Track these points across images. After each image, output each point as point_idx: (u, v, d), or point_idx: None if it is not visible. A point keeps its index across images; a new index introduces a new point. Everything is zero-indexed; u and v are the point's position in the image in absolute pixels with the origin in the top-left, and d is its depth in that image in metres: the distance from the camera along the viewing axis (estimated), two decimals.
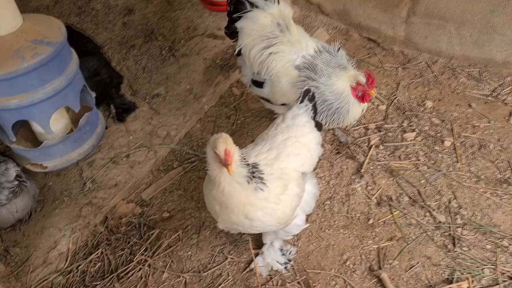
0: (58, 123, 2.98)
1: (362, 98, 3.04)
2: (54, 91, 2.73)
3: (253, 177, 2.35)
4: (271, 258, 2.86)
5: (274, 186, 2.45)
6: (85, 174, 3.65)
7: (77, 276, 3.11)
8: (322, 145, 2.79)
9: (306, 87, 2.77)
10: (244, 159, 2.36)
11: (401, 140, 3.56)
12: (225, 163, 2.22)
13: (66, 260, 3.20)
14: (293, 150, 2.59)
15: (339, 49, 3.17)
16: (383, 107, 3.84)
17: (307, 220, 2.90)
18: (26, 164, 3.02)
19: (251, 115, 3.97)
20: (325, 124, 3.12)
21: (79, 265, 3.15)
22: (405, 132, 3.61)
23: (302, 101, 2.71)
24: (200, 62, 4.40)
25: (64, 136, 2.94)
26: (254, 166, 2.43)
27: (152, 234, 3.23)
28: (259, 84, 3.29)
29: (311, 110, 2.72)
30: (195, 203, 3.39)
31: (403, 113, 3.77)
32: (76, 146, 3.08)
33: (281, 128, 2.66)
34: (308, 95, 2.72)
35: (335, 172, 3.41)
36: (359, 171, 3.39)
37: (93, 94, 3.17)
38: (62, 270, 3.16)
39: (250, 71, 3.32)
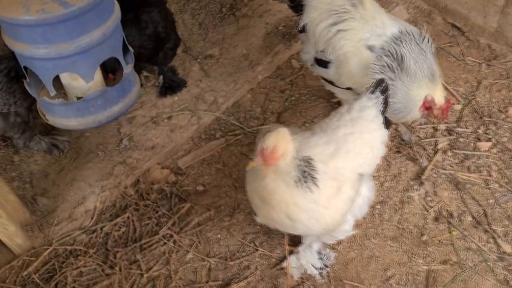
0: (71, 84, 2.78)
1: (427, 115, 2.70)
2: (57, 54, 2.49)
3: (304, 176, 2.06)
4: (307, 260, 2.58)
5: (327, 187, 2.14)
6: (123, 130, 3.46)
7: (100, 237, 2.96)
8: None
9: (381, 76, 2.39)
10: (297, 158, 2.08)
11: (473, 149, 3.13)
12: (265, 161, 2.00)
13: (92, 218, 3.05)
14: (354, 147, 2.26)
15: (425, 37, 2.71)
16: (458, 107, 3.38)
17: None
18: (38, 107, 2.88)
19: (307, 93, 3.61)
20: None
21: (104, 226, 3.00)
22: (479, 140, 3.16)
23: (373, 92, 2.34)
24: (261, 26, 4.03)
25: (64, 101, 2.76)
26: (307, 161, 2.12)
27: (183, 207, 3.01)
28: (323, 63, 2.92)
29: (382, 103, 2.35)
30: (232, 181, 3.13)
31: (480, 117, 3.30)
32: (78, 115, 2.77)
33: (345, 120, 2.32)
34: (381, 86, 2.35)
35: (391, 173, 3.04)
36: (420, 176, 3.00)
37: (129, 69, 2.87)
38: (86, 228, 3.01)
39: (313, 48, 2.94)
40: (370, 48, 2.70)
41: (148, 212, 3.03)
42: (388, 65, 2.61)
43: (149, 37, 3.18)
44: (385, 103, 2.37)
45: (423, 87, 2.61)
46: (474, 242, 2.69)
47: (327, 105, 3.49)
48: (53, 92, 2.71)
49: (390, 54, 2.63)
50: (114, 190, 3.15)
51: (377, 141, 2.34)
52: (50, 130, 3.37)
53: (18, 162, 3.36)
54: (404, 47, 2.62)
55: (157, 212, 3.01)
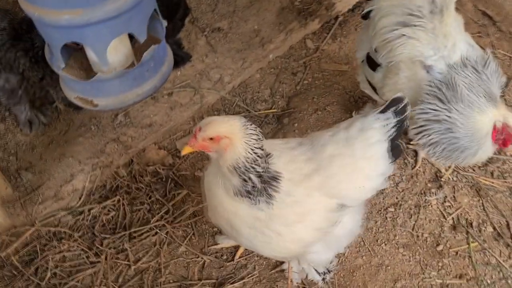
0: (117, 52, 2.36)
1: (503, 142, 2.31)
2: (116, 11, 2.11)
3: (254, 191, 1.79)
4: (308, 264, 2.35)
5: (285, 211, 1.85)
6: None
7: (87, 220, 2.73)
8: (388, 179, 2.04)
9: (401, 95, 1.94)
10: (242, 165, 1.75)
11: (498, 152, 2.86)
12: (193, 141, 1.78)
13: (80, 199, 2.82)
14: (339, 173, 1.89)
15: (489, 62, 2.34)
16: None
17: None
18: (75, 97, 2.50)
19: (321, 77, 3.32)
20: (435, 157, 2.40)
21: (92, 208, 2.76)
22: None
23: (384, 111, 1.92)
24: (276, 0, 3.70)
25: (122, 70, 2.34)
26: (271, 178, 1.82)
27: (179, 194, 2.76)
28: (372, 64, 2.54)
29: (393, 128, 1.90)
30: None
31: None
32: (134, 85, 2.47)
33: (339, 137, 1.93)
34: (397, 106, 1.91)
35: (408, 173, 2.78)
36: (439, 179, 2.75)
37: (165, 23, 2.54)
38: (73, 209, 2.78)
39: (368, 43, 2.54)
40: (427, 68, 2.32)
41: (140, 196, 2.79)
42: (437, 97, 2.28)
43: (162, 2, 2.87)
44: (399, 129, 1.92)
45: (483, 109, 2.24)
46: (494, 257, 2.46)
47: (343, 92, 3.20)
48: (107, 66, 2.32)
49: (441, 84, 2.28)
50: (106, 170, 2.91)
51: (374, 171, 1.93)
52: (39, 106, 3.09)
53: (3, 131, 3.10)
54: (459, 75, 2.27)
55: (150, 198, 2.77)
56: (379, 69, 2.50)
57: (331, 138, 1.94)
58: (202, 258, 2.49)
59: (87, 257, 2.57)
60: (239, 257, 2.49)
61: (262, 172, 1.78)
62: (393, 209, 2.64)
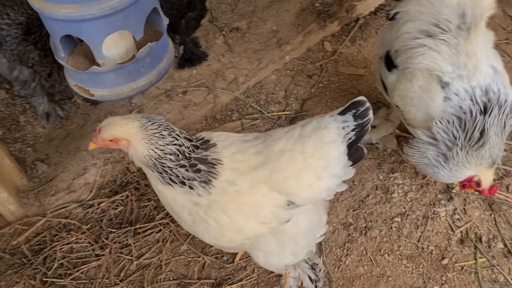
0: (117, 46, 2.44)
1: (463, 186, 2.38)
2: (111, 9, 2.17)
3: (183, 179, 1.85)
4: (302, 270, 2.32)
5: (225, 199, 1.86)
6: (135, 101, 3.24)
7: (96, 213, 2.79)
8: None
9: (363, 98, 1.83)
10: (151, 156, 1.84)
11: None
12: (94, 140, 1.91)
13: (90, 192, 2.88)
14: (287, 168, 1.84)
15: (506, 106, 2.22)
16: None
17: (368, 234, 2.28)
18: (74, 85, 2.59)
19: (337, 81, 3.27)
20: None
21: (101, 202, 2.82)
22: None
23: (343, 113, 1.82)
24: (296, 1, 3.68)
25: (116, 65, 2.41)
26: (207, 165, 1.86)
27: None
28: (389, 64, 2.47)
29: (353, 131, 1.82)
30: None
31: None
32: (129, 80, 2.53)
33: (292, 133, 1.88)
34: (357, 109, 1.81)
35: (418, 182, 2.71)
36: (450, 190, 2.66)
37: (166, 21, 2.58)
38: (83, 202, 2.85)
39: (389, 43, 2.46)
40: (443, 84, 2.22)
41: (148, 193, 2.83)
42: (446, 139, 2.24)
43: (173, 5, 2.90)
44: (359, 132, 1.82)
45: (478, 169, 2.26)
46: (503, 274, 2.37)
47: (358, 96, 3.13)
48: (102, 59, 2.41)
49: (455, 119, 2.21)
50: (117, 165, 2.97)
51: (325, 172, 1.85)
52: (58, 100, 3.19)
53: (23, 123, 3.21)
54: (487, 116, 2.18)
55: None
56: (394, 71, 2.43)
57: (285, 134, 1.91)
58: (203, 258, 2.51)
59: (93, 249, 2.63)
60: (239, 259, 2.49)
61: (181, 162, 1.83)
62: (399, 219, 2.58)
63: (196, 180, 1.84)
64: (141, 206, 2.78)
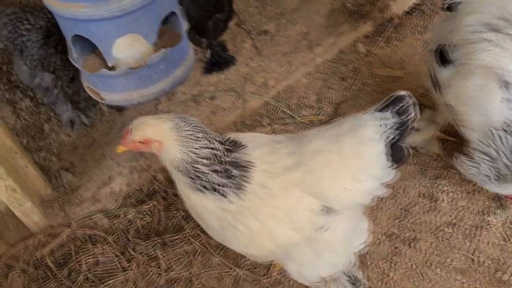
0: (132, 49, 2.31)
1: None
2: (120, 10, 2.06)
3: (216, 186, 1.70)
4: (341, 284, 2.13)
5: (257, 204, 1.70)
6: (161, 107, 3.13)
7: (122, 224, 2.66)
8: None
9: (406, 93, 1.68)
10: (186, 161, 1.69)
11: None
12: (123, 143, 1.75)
13: (116, 202, 2.76)
14: (322, 170, 1.69)
15: None
16: None
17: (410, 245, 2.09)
18: (86, 86, 2.50)
19: (373, 83, 3.10)
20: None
21: (128, 212, 2.69)
22: None
23: (382, 109, 1.68)
24: (326, 2, 3.54)
25: (126, 69, 2.28)
26: (240, 168, 1.70)
27: None
28: (443, 58, 2.28)
29: (393, 129, 1.66)
30: None
31: None
32: (140, 86, 2.41)
33: (327, 133, 1.74)
34: (399, 105, 1.66)
35: (467, 189, 2.51)
36: (501, 197, 2.45)
37: (186, 26, 2.46)
38: (109, 212, 2.73)
39: (446, 36, 2.28)
40: (504, 84, 2.03)
41: (176, 202, 2.69)
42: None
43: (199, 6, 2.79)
44: (401, 131, 1.66)
45: None
46: None
47: None
48: (112, 61, 2.32)
49: None
50: (143, 173, 2.84)
51: (364, 173, 1.69)
52: (83, 108, 3.10)
53: (48, 131, 3.12)
54: None
55: None
56: (449, 66, 2.24)
57: (318, 134, 1.76)
58: (236, 271, 2.35)
59: (119, 262, 2.49)
60: (275, 273, 2.32)
61: (214, 167, 1.68)
62: (448, 229, 2.38)
63: (229, 186, 1.69)
64: (169, 216, 2.64)
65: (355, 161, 1.69)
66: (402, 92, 1.69)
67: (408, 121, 1.67)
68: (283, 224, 1.72)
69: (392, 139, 1.67)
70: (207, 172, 1.68)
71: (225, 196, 1.69)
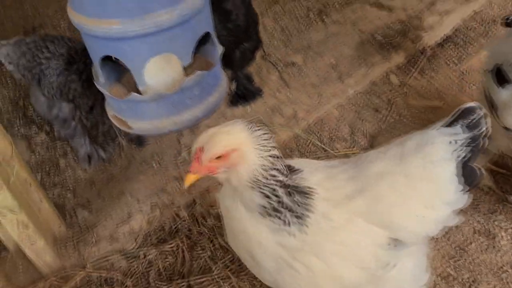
0: (163, 73, 2.14)
1: None
2: (156, 26, 1.92)
3: (281, 208, 1.43)
4: None
5: (319, 239, 1.46)
6: (184, 140, 2.95)
7: (142, 265, 2.41)
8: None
9: (475, 105, 1.51)
10: (276, 171, 1.41)
11: None
12: (194, 167, 1.43)
13: (136, 241, 2.52)
14: (390, 195, 1.48)
15: None
16: None
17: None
18: (112, 115, 2.32)
19: (410, 115, 2.92)
20: None
21: (148, 253, 2.45)
22: None
23: (451, 124, 1.51)
24: (354, 34, 3.42)
25: (158, 94, 2.12)
26: (301, 193, 1.46)
27: None
28: (501, 78, 2.10)
29: (464, 146, 1.47)
30: None
31: None
32: (173, 112, 2.22)
33: (390, 153, 1.54)
34: (469, 118, 1.48)
35: None
36: None
37: (220, 49, 2.32)
38: (128, 252, 2.48)
39: (505, 55, 2.11)
40: None
41: (202, 241, 2.45)
42: None
43: (225, 25, 2.65)
44: (472, 148, 1.47)
45: None
46: None
47: None
48: (143, 85, 2.12)
49: None
50: (165, 210, 2.62)
51: (438, 198, 1.49)
52: (101, 142, 2.95)
53: (63, 166, 2.94)
54: None
55: (213, 243, 2.42)
56: (508, 87, 2.05)
57: (379, 155, 1.56)
58: None
59: None
60: None
61: (286, 179, 1.42)
62: (510, 270, 2.10)
63: (293, 212, 1.45)
64: (195, 257, 2.39)
65: (425, 184, 1.47)
66: (472, 104, 1.51)
67: (480, 136, 1.48)
68: (348, 262, 1.48)
69: (464, 157, 1.47)
70: (278, 186, 1.42)
71: (288, 225, 1.44)
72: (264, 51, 3.42)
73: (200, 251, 2.40)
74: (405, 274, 1.57)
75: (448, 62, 3.19)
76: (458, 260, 2.16)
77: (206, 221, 2.53)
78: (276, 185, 1.41)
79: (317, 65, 3.26)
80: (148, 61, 2.01)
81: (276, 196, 1.42)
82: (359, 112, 2.99)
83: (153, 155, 2.91)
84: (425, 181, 1.48)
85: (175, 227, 2.54)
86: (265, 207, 1.43)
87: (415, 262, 1.61)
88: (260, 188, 1.41)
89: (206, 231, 2.48)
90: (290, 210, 1.44)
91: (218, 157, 1.39)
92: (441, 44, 3.32)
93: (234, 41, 2.73)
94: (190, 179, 1.44)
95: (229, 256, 2.33)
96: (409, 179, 1.48)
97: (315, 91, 3.09)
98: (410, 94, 3.03)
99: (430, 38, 3.27)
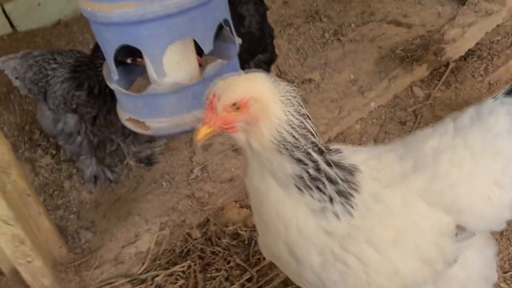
0: (179, 68, 1.96)
1: None
2: (176, 7, 1.78)
3: (322, 178, 1.17)
4: None
5: (371, 224, 1.22)
6: (196, 158, 2.76)
7: None
8: None
9: None
10: (310, 137, 1.16)
11: None
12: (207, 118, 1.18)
13: (143, 264, 2.29)
14: (452, 172, 1.27)
15: None
16: None
17: None
18: (127, 119, 2.14)
19: None
20: None
21: (157, 276, 2.20)
22: None
23: (511, 93, 1.34)
24: (373, 51, 3.29)
25: (178, 85, 1.95)
26: (344, 169, 1.22)
27: (264, 258, 2.13)
28: None
29: None
30: None
31: None
32: (194, 106, 2.00)
33: (443, 129, 1.35)
34: None
35: None
36: None
37: (238, 40, 2.18)
38: (133, 276, 2.25)
39: None
40: None
41: (216, 262, 2.20)
42: None
43: (237, 29, 2.53)
44: None
45: None
46: None
47: None
48: (162, 76, 1.93)
49: None
50: (176, 230, 2.39)
51: (507, 176, 1.29)
52: (108, 164, 2.78)
53: (68, 188, 2.76)
54: None
55: (228, 263, 2.17)
56: None
57: (431, 132, 1.36)
58: None
59: None
60: None
61: (319, 141, 1.18)
62: None
63: (334, 185, 1.20)
64: (208, 278, 2.14)
65: (493, 159, 1.27)
66: None
67: None
68: (408, 253, 1.23)
69: None
70: (313, 150, 1.16)
71: (331, 203, 1.19)
72: (279, 70, 3.29)
73: (215, 272, 2.15)
74: (472, 273, 1.34)
75: (474, 74, 3.01)
76: (510, 273, 1.88)
77: (221, 241, 2.29)
78: (309, 147, 1.16)
79: (336, 80, 3.11)
80: (168, 47, 1.85)
81: (312, 161, 1.16)
82: (383, 125, 2.80)
83: (163, 175, 2.72)
84: (491, 155, 1.28)
85: (187, 248, 2.31)
86: (301, 177, 1.17)
87: (484, 258, 1.37)
88: (290, 151, 1.15)
89: (221, 251, 2.24)
90: (331, 182, 1.19)
91: (237, 108, 1.16)
92: (463, 57, 3.16)
93: (247, 50, 2.60)
94: (202, 132, 1.20)
95: (247, 275, 2.07)
96: (470, 153, 1.28)
97: (335, 105, 2.91)
98: (436, 106, 2.84)
99: (453, 51, 3.11)
